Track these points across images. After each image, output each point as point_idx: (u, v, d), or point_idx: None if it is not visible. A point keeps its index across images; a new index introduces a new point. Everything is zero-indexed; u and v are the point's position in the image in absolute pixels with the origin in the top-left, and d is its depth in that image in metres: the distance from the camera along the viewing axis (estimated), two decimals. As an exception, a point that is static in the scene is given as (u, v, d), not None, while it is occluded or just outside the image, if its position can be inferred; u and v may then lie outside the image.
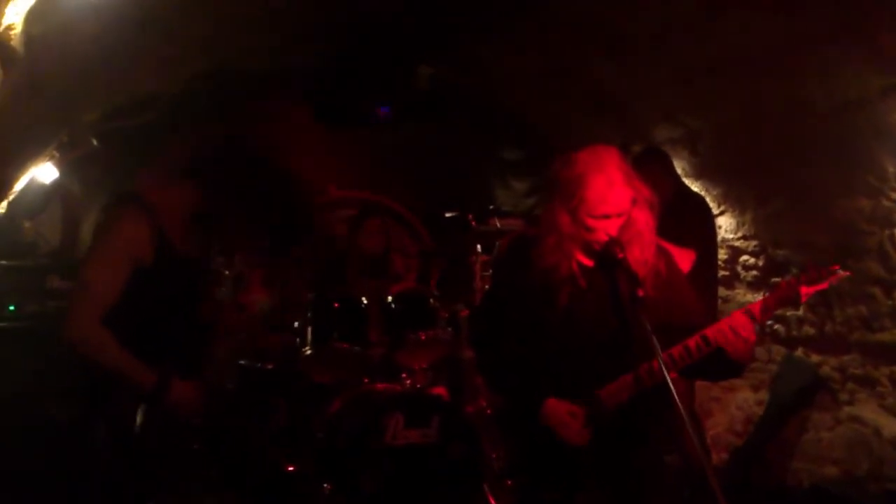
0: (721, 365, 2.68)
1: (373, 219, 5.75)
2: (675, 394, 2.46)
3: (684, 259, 4.28)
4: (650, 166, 4.63)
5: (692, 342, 2.65)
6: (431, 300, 4.96)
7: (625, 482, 2.86)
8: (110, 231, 2.85)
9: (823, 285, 2.61)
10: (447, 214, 6.25)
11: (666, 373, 2.48)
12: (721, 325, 2.63)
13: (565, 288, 2.81)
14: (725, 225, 5.19)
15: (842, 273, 2.62)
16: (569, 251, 2.79)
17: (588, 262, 2.83)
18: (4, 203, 4.40)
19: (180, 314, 3.01)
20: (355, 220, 5.79)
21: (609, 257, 2.71)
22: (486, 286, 5.23)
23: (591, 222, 2.71)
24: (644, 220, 2.77)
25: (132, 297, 2.81)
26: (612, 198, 2.67)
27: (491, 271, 5.17)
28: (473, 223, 6.06)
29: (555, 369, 2.84)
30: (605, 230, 2.70)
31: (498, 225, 6.10)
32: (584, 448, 2.78)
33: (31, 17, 2.97)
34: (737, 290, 5.23)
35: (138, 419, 2.87)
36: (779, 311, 4.86)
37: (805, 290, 2.61)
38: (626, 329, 2.74)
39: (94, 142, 4.89)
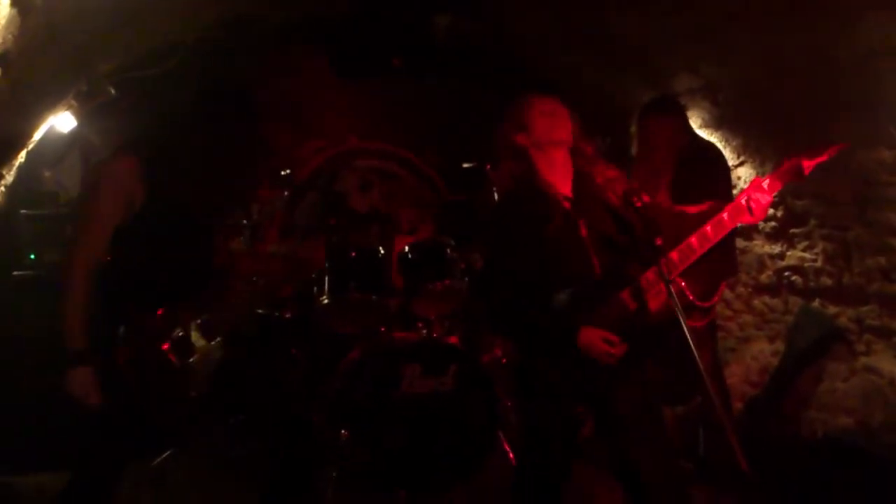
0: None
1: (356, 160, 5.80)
2: (683, 316, 2.54)
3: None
4: (661, 117, 4.59)
5: (693, 239, 2.90)
6: (448, 250, 4.97)
7: (613, 420, 3.01)
8: (99, 176, 2.91)
9: (823, 157, 2.89)
10: (465, 165, 6.23)
11: (673, 294, 2.68)
12: (735, 203, 2.94)
13: (557, 215, 3.01)
14: (745, 176, 5.15)
15: (840, 146, 2.91)
16: (545, 177, 3.11)
17: (566, 190, 3.10)
18: (24, 152, 4.42)
19: (178, 256, 3.05)
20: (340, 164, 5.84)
21: (628, 205, 2.88)
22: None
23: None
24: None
25: (127, 237, 2.86)
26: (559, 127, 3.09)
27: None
28: (491, 174, 6.05)
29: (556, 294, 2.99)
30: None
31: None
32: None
33: (49, -37, 2.95)
34: (755, 242, 5.21)
35: (154, 367, 2.93)
36: (794, 262, 4.87)
37: (807, 164, 2.88)
38: (614, 252, 3.00)
39: (113, 91, 4.89)
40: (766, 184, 2.92)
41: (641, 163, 4.73)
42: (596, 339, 2.90)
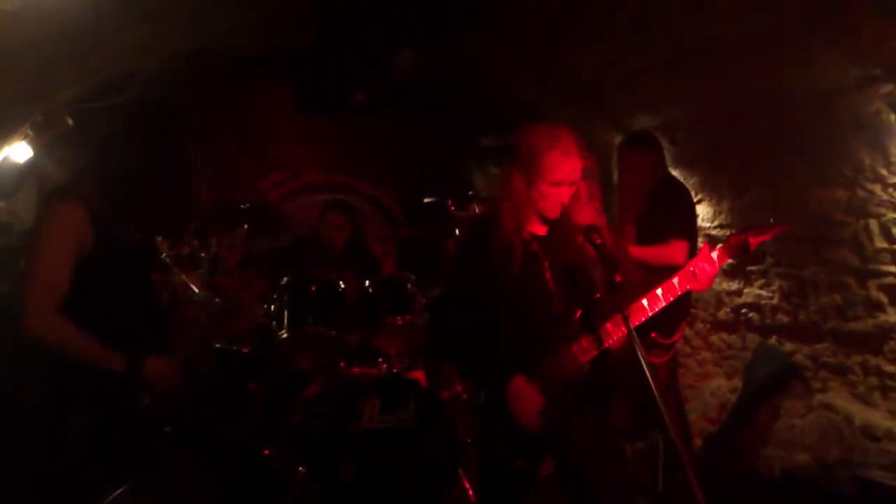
0: None
1: (335, 212, 5.77)
2: (643, 359, 2.54)
3: (678, 250, 4.29)
4: (635, 153, 4.63)
5: (644, 300, 2.90)
6: (409, 285, 4.96)
7: (573, 457, 2.97)
8: (48, 219, 2.84)
9: (767, 237, 2.97)
10: (426, 200, 6.24)
11: (635, 339, 2.62)
12: (685, 271, 2.94)
13: (518, 255, 2.93)
14: (702, 214, 5.22)
15: (782, 227, 3.02)
16: (523, 217, 2.97)
17: (541, 231, 3.02)
18: (-23, 183, 4.34)
19: (131, 297, 2.99)
20: (320, 212, 5.82)
21: (588, 241, 2.84)
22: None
23: (545, 189, 2.90)
24: (588, 190, 2.99)
25: (80, 283, 2.80)
26: (566, 167, 2.87)
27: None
28: (452, 209, 6.06)
29: (512, 335, 2.95)
30: (557, 197, 2.91)
31: (477, 211, 6.09)
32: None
33: (6, -8, 2.92)
34: (713, 279, 5.26)
35: (112, 404, 2.86)
36: (752, 299, 4.93)
37: (753, 241, 2.95)
38: (576, 297, 2.98)
39: (70, 121, 4.83)
40: (714, 254, 2.97)
41: (618, 195, 4.79)
42: (524, 395, 2.86)
